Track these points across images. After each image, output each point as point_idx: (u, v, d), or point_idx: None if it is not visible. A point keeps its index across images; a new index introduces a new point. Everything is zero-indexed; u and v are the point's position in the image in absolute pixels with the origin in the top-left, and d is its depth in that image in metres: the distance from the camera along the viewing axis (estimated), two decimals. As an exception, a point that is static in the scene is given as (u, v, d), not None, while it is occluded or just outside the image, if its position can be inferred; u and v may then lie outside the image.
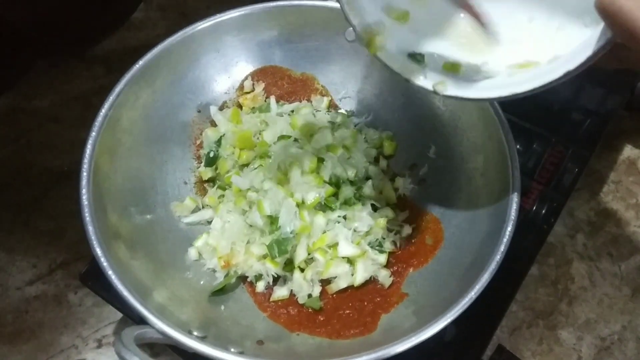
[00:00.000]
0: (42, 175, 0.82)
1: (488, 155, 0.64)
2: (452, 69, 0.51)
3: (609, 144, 0.83)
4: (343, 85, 0.75)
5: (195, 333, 0.52)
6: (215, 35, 0.70)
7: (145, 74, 0.65)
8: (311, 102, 0.75)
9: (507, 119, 0.61)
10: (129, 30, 0.97)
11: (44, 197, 0.80)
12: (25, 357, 0.69)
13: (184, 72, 0.70)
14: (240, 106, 0.74)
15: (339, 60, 0.74)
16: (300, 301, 0.62)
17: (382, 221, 0.65)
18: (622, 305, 0.72)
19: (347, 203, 0.66)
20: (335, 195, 0.66)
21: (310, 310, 0.62)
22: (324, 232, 0.64)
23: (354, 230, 0.64)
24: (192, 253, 0.65)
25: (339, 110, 0.75)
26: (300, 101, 0.75)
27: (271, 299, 0.63)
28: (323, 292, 0.64)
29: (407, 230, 0.67)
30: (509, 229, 0.56)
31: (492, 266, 0.54)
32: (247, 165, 0.69)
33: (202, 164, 0.71)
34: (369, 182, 0.68)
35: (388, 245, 0.66)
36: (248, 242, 0.65)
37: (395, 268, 0.65)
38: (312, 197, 0.63)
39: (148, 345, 0.52)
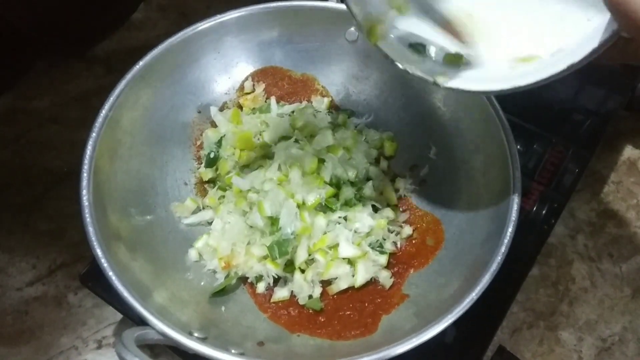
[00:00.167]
0: (42, 175, 0.82)
1: (489, 155, 0.64)
2: (454, 60, 0.51)
3: (609, 145, 0.83)
4: (344, 86, 0.75)
5: (195, 334, 0.52)
6: (215, 35, 0.70)
7: (145, 74, 0.65)
8: (312, 102, 0.75)
9: (508, 119, 0.61)
10: (129, 30, 0.97)
11: (44, 197, 0.80)
12: (25, 358, 0.69)
13: (184, 72, 0.70)
14: (240, 107, 0.74)
15: (340, 61, 0.74)
16: (301, 302, 0.62)
17: (383, 222, 0.65)
18: (623, 306, 0.72)
19: (347, 204, 0.66)
20: (336, 196, 0.66)
21: (310, 311, 0.62)
22: (325, 233, 0.64)
23: (355, 231, 0.64)
24: (193, 254, 0.65)
25: (340, 111, 0.75)
26: (301, 102, 0.75)
27: (272, 300, 0.63)
28: (324, 293, 0.64)
29: (407, 231, 0.67)
30: (510, 229, 0.56)
31: (493, 267, 0.54)
32: (247, 166, 0.69)
33: (203, 164, 0.71)
34: (370, 183, 0.68)
35: (389, 246, 0.65)
36: (248, 243, 0.64)
37: (395, 269, 0.65)
38: (312, 198, 0.63)
39: (148, 347, 0.52)
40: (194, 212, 0.68)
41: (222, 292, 0.63)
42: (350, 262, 0.64)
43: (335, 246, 0.63)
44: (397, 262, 0.65)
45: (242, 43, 0.72)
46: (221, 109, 0.74)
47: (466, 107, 0.66)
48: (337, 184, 0.66)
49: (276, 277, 0.63)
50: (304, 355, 0.57)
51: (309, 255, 0.63)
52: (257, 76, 0.75)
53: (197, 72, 0.71)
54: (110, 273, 0.53)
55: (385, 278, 0.63)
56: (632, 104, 0.82)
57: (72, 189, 0.58)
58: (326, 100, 0.75)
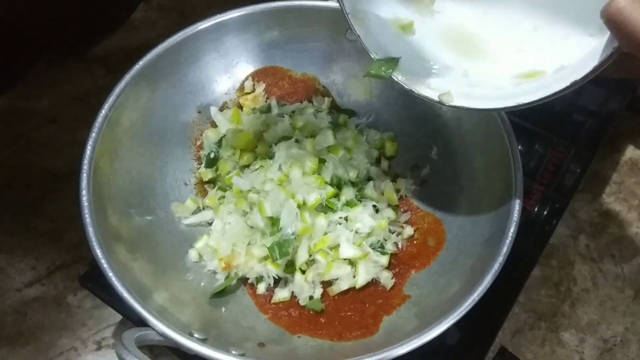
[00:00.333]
0: (41, 176, 0.82)
1: (490, 156, 0.63)
2: (405, 29, 0.52)
3: (611, 145, 0.83)
4: (344, 86, 0.75)
5: (196, 335, 0.52)
6: (215, 35, 0.70)
7: (145, 74, 0.65)
8: (312, 102, 0.75)
9: (509, 119, 0.61)
10: (129, 30, 0.96)
11: (43, 198, 0.80)
12: (24, 359, 0.69)
13: (184, 72, 0.70)
14: (240, 107, 0.74)
15: (340, 61, 0.74)
16: (302, 303, 0.62)
17: (384, 222, 0.65)
18: (625, 307, 0.71)
19: (348, 204, 0.65)
20: (337, 196, 0.66)
21: (311, 312, 0.62)
22: (326, 233, 0.63)
23: (356, 232, 0.64)
24: (193, 254, 0.65)
25: (340, 111, 0.75)
26: (301, 102, 0.75)
27: (272, 301, 0.63)
28: (324, 294, 0.63)
29: (408, 231, 0.67)
30: (512, 230, 0.55)
31: (495, 268, 0.53)
32: (247, 166, 0.69)
33: (203, 165, 0.70)
34: (371, 183, 0.68)
35: (390, 247, 0.65)
36: (249, 244, 0.64)
37: (397, 270, 0.65)
38: (313, 198, 0.63)
39: (148, 348, 0.51)
40: (194, 213, 0.68)
41: (222, 293, 0.62)
42: (351, 262, 0.64)
43: (336, 247, 0.63)
44: (398, 262, 0.65)
45: (242, 43, 0.72)
46: (221, 109, 0.74)
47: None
48: (337, 184, 0.66)
49: (277, 277, 0.63)
50: (304, 357, 0.57)
51: (310, 255, 0.63)
52: (257, 76, 0.74)
53: (197, 72, 0.71)
54: (110, 274, 0.52)
55: (387, 279, 0.63)
56: (633, 105, 0.82)
57: (72, 189, 0.57)
58: (327, 100, 0.75)
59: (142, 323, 0.51)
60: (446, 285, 0.59)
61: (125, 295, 0.52)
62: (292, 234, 0.61)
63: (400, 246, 0.66)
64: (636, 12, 0.34)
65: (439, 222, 0.66)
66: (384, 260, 0.64)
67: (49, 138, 0.85)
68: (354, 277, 0.63)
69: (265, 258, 0.63)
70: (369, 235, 0.65)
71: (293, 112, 0.72)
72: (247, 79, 0.74)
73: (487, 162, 0.64)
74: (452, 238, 0.64)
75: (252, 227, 0.65)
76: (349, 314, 0.61)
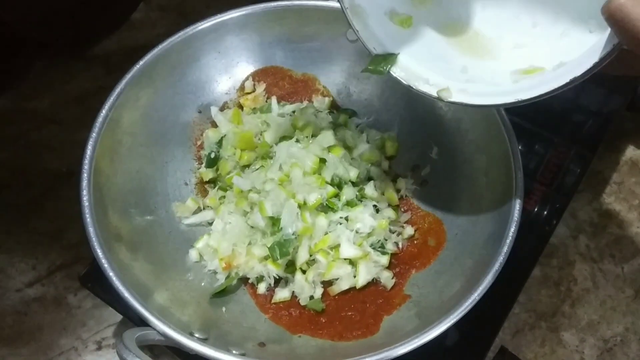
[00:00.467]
0: (42, 176, 0.82)
1: (491, 156, 0.63)
2: (403, 23, 0.52)
3: (611, 145, 0.83)
4: (345, 86, 0.75)
5: (196, 335, 0.52)
6: (216, 35, 0.70)
7: (145, 74, 0.65)
8: (313, 102, 0.75)
9: (509, 119, 0.61)
10: (129, 30, 0.96)
11: (43, 198, 0.80)
12: (24, 359, 0.69)
13: (185, 72, 0.70)
14: (241, 107, 0.74)
15: (341, 61, 0.74)
16: (302, 303, 0.62)
17: (384, 222, 0.65)
18: (625, 306, 0.71)
19: (349, 204, 0.65)
20: (337, 196, 0.66)
21: (312, 312, 0.62)
22: (326, 233, 0.63)
23: (356, 232, 0.64)
24: (193, 254, 0.65)
25: (341, 111, 0.75)
26: (302, 102, 0.75)
27: (273, 301, 0.63)
28: (325, 294, 0.63)
29: (409, 231, 0.67)
30: (512, 230, 0.55)
31: (495, 268, 0.53)
32: (248, 166, 0.69)
33: (203, 165, 0.70)
34: (371, 183, 0.68)
35: (390, 247, 0.65)
36: (249, 244, 0.64)
37: (397, 269, 0.65)
38: (314, 198, 0.63)
39: (148, 347, 0.51)
40: (195, 213, 0.68)
41: (222, 293, 0.62)
42: (352, 262, 0.64)
43: (336, 247, 0.63)
44: (399, 262, 0.65)
45: (242, 43, 0.72)
46: (222, 109, 0.74)
47: (468, 108, 0.66)
48: (338, 184, 0.66)
49: (277, 277, 0.63)
50: (305, 356, 0.57)
51: (310, 255, 0.63)
52: (257, 76, 0.74)
53: (198, 72, 0.71)
54: (111, 273, 0.52)
55: (387, 279, 0.63)
56: (634, 105, 0.82)
57: (72, 189, 0.57)
58: (327, 100, 0.75)
59: (142, 323, 0.51)
60: (446, 285, 0.59)
61: (126, 295, 0.52)
62: (293, 234, 0.61)
63: (400, 246, 0.66)
64: (638, 8, 0.34)
65: (440, 222, 0.66)
66: (385, 260, 0.64)
67: (49, 138, 0.85)
68: (355, 277, 0.63)
69: (266, 258, 0.63)
70: (369, 235, 0.65)
71: (293, 112, 0.72)
72: (247, 78, 0.74)
73: (487, 162, 0.64)
74: (453, 238, 0.64)
75: (252, 227, 0.65)
76: (350, 313, 0.61)
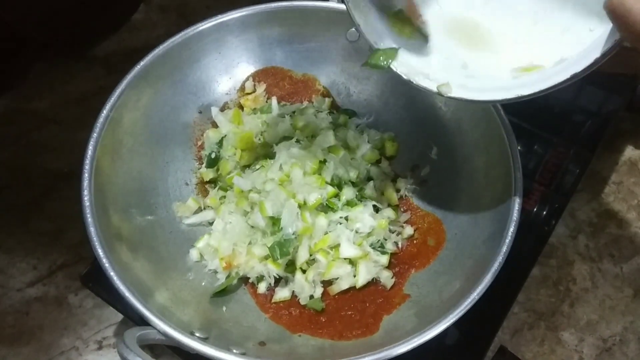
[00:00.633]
0: (42, 176, 0.82)
1: (490, 156, 0.64)
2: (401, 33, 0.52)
3: (610, 145, 0.83)
4: (344, 86, 0.75)
5: (197, 334, 0.52)
6: (216, 36, 0.70)
7: (146, 75, 0.65)
8: (313, 103, 0.75)
9: (509, 120, 0.61)
10: (129, 31, 0.97)
11: (44, 198, 0.80)
12: (25, 358, 0.69)
13: (185, 73, 0.70)
14: (241, 107, 0.74)
15: (341, 61, 0.74)
16: (302, 302, 0.62)
17: (384, 222, 0.65)
18: (624, 306, 0.72)
19: (349, 204, 0.66)
20: (337, 196, 0.66)
21: (312, 311, 0.62)
22: (326, 233, 0.64)
23: (356, 232, 0.64)
24: (194, 254, 0.65)
25: (341, 111, 0.75)
26: (302, 102, 0.75)
27: (273, 300, 0.63)
28: (325, 294, 0.64)
29: (408, 231, 0.67)
30: (512, 230, 0.56)
31: (494, 267, 0.54)
32: (248, 166, 0.69)
33: (204, 165, 0.71)
34: (371, 183, 0.68)
35: (390, 247, 0.66)
36: (250, 243, 0.64)
37: (397, 269, 0.65)
38: (314, 198, 0.63)
39: (149, 347, 0.52)
40: (195, 213, 0.68)
41: (223, 292, 0.63)
42: (352, 262, 0.64)
43: (336, 246, 0.63)
44: (399, 262, 0.65)
45: (243, 43, 0.72)
46: (222, 110, 0.74)
47: (467, 107, 0.66)
48: (338, 184, 0.66)
49: (277, 277, 0.63)
50: (305, 355, 0.57)
51: (310, 255, 0.63)
52: (258, 76, 0.75)
53: (198, 73, 0.71)
54: (112, 273, 0.53)
55: (387, 278, 0.63)
56: (633, 105, 0.82)
57: (72, 189, 0.57)
58: (327, 100, 0.75)
59: (143, 322, 0.52)
60: (446, 285, 0.60)
61: (127, 294, 0.52)
62: (293, 234, 0.62)
63: (400, 246, 0.67)
64: (639, 4, 0.34)
65: (439, 222, 0.67)
66: (384, 259, 0.64)
67: (50, 138, 0.85)
68: (354, 276, 0.63)
69: (266, 257, 0.63)
70: (369, 234, 0.65)
71: (294, 112, 0.73)
72: (247, 79, 0.75)
73: (487, 162, 0.64)
74: (452, 238, 0.65)
75: (253, 227, 0.65)
76: (349, 313, 0.62)
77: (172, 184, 0.69)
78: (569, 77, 0.42)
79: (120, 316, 0.70)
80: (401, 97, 0.72)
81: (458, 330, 0.63)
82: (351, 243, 0.63)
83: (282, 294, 0.63)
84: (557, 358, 0.69)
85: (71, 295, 0.73)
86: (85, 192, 0.57)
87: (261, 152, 0.69)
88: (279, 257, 0.61)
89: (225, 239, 0.64)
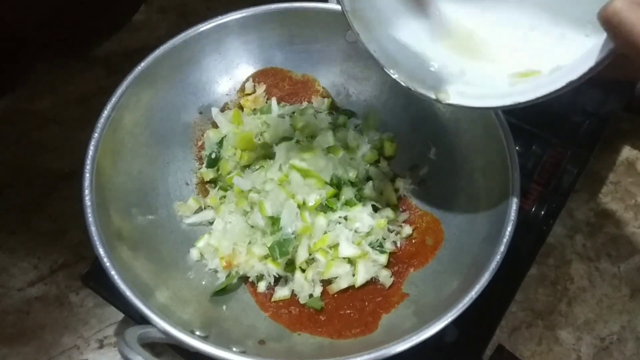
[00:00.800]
0: (43, 176, 0.82)
1: (488, 156, 0.64)
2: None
3: (608, 145, 0.83)
4: (344, 87, 0.76)
5: (197, 333, 0.53)
6: (216, 37, 0.70)
7: (147, 75, 0.65)
8: (312, 103, 0.75)
9: (507, 120, 0.61)
10: (130, 31, 0.97)
11: (45, 198, 0.80)
12: (26, 358, 0.69)
13: (186, 73, 0.70)
14: (241, 108, 0.75)
15: (340, 62, 0.74)
16: (302, 301, 0.63)
17: (383, 222, 0.66)
18: (621, 305, 0.72)
19: (348, 204, 0.66)
20: (336, 196, 0.66)
21: (311, 310, 0.62)
22: (325, 232, 0.64)
23: (355, 231, 0.65)
24: (194, 253, 0.65)
25: (340, 112, 0.75)
26: (302, 103, 0.75)
27: (272, 299, 0.63)
28: (324, 292, 0.64)
29: (407, 230, 0.67)
30: (509, 229, 0.56)
31: (492, 266, 0.54)
32: (248, 166, 0.69)
33: (204, 165, 0.71)
34: (370, 183, 0.68)
35: (389, 246, 0.66)
36: (249, 243, 0.65)
37: (395, 268, 0.65)
38: (313, 198, 0.63)
39: (149, 346, 0.52)
40: (196, 212, 0.69)
41: (223, 291, 0.63)
42: (351, 261, 0.64)
43: (335, 246, 0.64)
44: (397, 261, 0.66)
45: (243, 44, 0.72)
46: (222, 110, 0.74)
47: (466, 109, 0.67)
48: (337, 184, 0.66)
49: (277, 276, 0.64)
50: (304, 354, 0.58)
51: (310, 254, 0.63)
52: (258, 77, 0.75)
53: (198, 73, 0.72)
54: (113, 272, 0.53)
55: (386, 277, 0.64)
56: (631, 106, 0.82)
57: (73, 189, 0.58)
58: (327, 101, 0.75)
59: (144, 321, 0.52)
60: (444, 284, 0.60)
61: (128, 293, 0.52)
62: (292, 233, 0.62)
63: (399, 245, 0.67)
64: (633, 14, 0.35)
65: (437, 222, 0.67)
66: (383, 259, 0.65)
67: (50, 139, 0.86)
68: (354, 275, 0.64)
69: (266, 257, 0.63)
70: (368, 234, 0.65)
71: (293, 112, 0.73)
72: (247, 80, 0.75)
73: (485, 162, 0.65)
74: (451, 237, 0.65)
75: (252, 227, 0.65)
76: (348, 312, 0.62)
77: (173, 183, 0.69)
78: (564, 85, 0.42)
79: (121, 315, 0.70)
80: (400, 98, 0.73)
81: (456, 328, 0.63)
82: (350, 242, 0.64)
83: (281, 293, 0.63)
84: (554, 356, 0.69)
85: (72, 295, 0.73)
86: (87, 192, 0.57)
87: (261, 153, 0.69)
88: (278, 257, 0.61)
89: (225, 238, 0.64)
